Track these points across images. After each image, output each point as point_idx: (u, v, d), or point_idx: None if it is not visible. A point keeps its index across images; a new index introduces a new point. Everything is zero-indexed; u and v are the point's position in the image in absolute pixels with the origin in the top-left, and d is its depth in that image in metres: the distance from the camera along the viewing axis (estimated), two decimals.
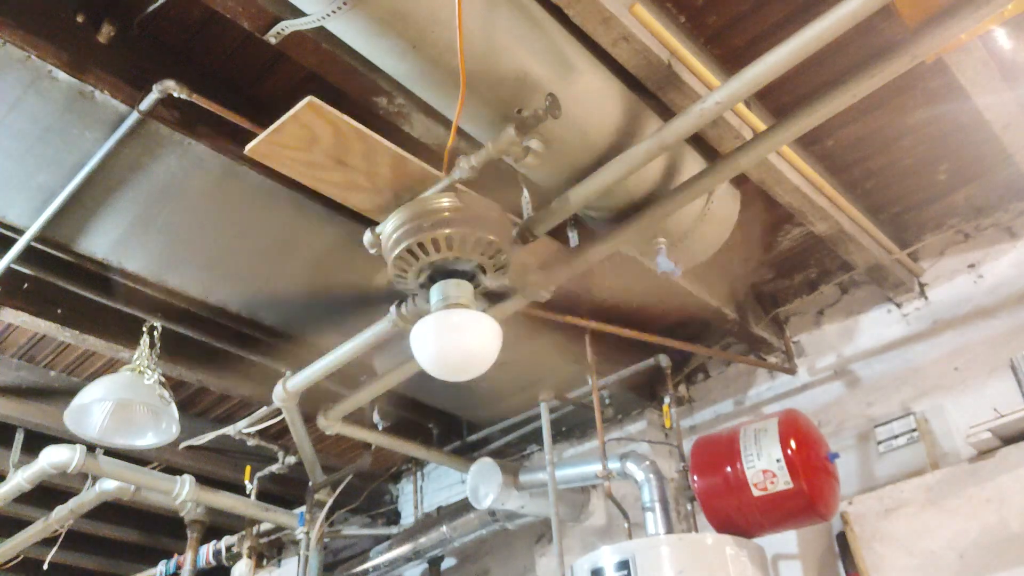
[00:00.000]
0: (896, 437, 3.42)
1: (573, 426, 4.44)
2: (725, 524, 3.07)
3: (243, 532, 4.72)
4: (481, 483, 3.85)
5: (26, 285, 3.23)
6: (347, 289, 3.15)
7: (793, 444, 2.98)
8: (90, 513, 4.53)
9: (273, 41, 2.30)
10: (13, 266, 2.93)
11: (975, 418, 3.11)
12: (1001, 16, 2.11)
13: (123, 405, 3.48)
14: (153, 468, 4.44)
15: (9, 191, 2.73)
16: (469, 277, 2.30)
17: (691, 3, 2.54)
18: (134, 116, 2.48)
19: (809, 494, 2.93)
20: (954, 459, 3.23)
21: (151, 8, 2.45)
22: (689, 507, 3.41)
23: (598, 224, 2.78)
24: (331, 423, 3.69)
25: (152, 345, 3.45)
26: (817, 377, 3.85)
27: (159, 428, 3.57)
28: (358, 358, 3.16)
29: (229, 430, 4.05)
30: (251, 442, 4.11)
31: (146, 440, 3.60)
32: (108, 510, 4.80)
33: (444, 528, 4.30)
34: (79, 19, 2.42)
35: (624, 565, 2.93)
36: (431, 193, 2.25)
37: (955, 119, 3.06)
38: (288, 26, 2.23)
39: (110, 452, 3.97)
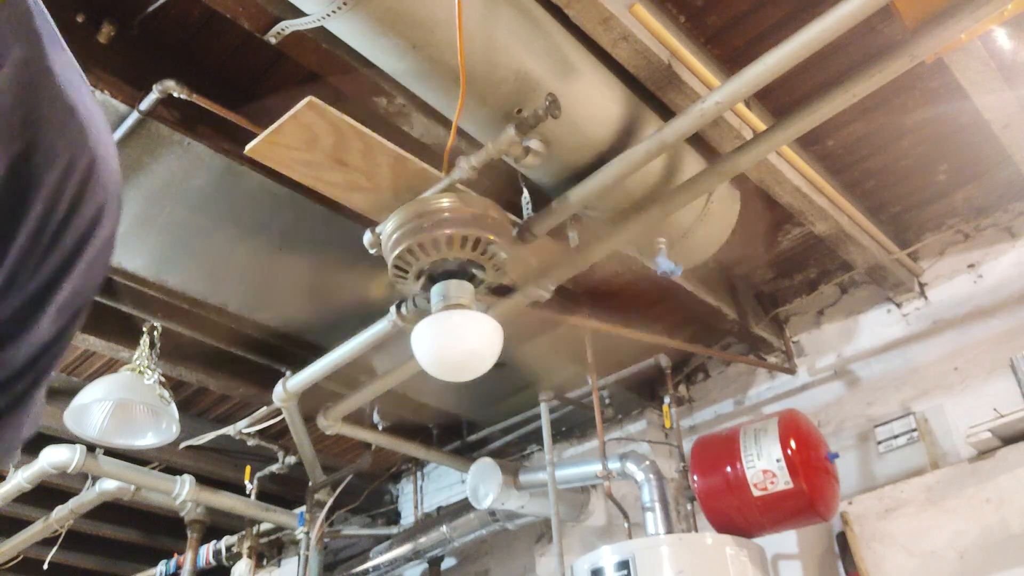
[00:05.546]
0: (896, 437, 3.42)
1: (573, 426, 4.44)
2: (725, 524, 3.07)
3: (243, 532, 4.72)
4: (481, 483, 3.85)
5: None
6: (347, 297, 3.15)
7: (793, 444, 2.98)
8: (90, 513, 4.53)
9: (273, 41, 2.30)
10: None
11: (975, 418, 3.11)
12: (1001, 16, 2.11)
13: (123, 405, 3.48)
14: (153, 468, 4.44)
15: None
16: (469, 277, 2.30)
17: (691, 3, 2.54)
18: (134, 116, 2.47)
19: (809, 494, 2.93)
20: (954, 459, 3.23)
21: (151, 8, 2.45)
22: (689, 507, 3.41)
23: (598, 224, 2.78)
24: (331, 423, 3.69)
25: (152, 345, 3.45)
26: (817, 377, 3.84)
27: (159, 428, 3.57)
28: (358, 358, 3.16)
29: (229, 430, 4.05)
30: (251, 442, 4.12)
31: (146, 440, 3.60)
32: (108, 510, 4.79)
33: (444, 528, 4.30)
34: (79, 19, 2.41)
35: (624, 565, 2.93)
36: (431, 193, 2.25)
37: (955, 119, 3.06)
38: (288, 26, 2.23)
39: (110, 452, 3.98)
